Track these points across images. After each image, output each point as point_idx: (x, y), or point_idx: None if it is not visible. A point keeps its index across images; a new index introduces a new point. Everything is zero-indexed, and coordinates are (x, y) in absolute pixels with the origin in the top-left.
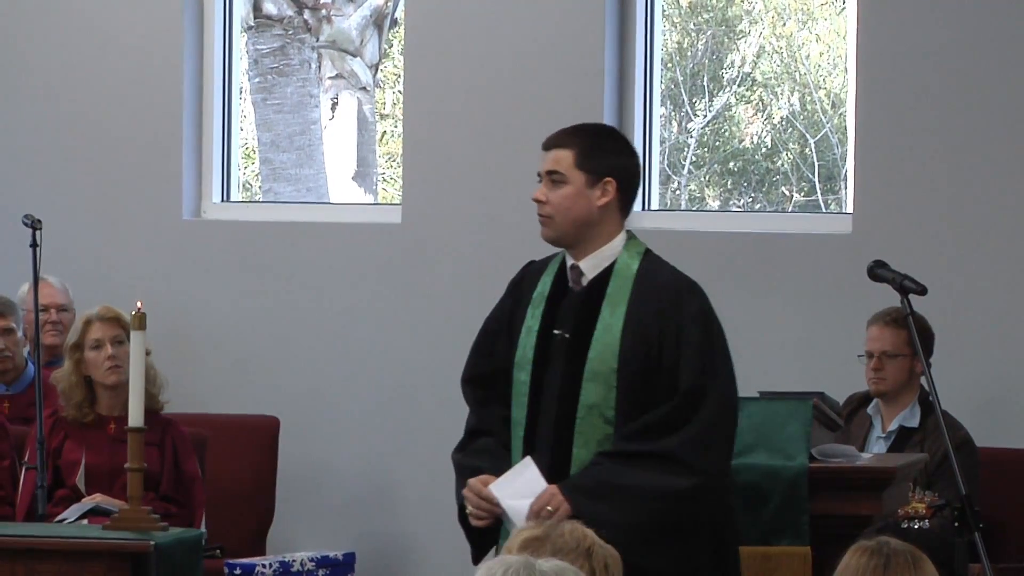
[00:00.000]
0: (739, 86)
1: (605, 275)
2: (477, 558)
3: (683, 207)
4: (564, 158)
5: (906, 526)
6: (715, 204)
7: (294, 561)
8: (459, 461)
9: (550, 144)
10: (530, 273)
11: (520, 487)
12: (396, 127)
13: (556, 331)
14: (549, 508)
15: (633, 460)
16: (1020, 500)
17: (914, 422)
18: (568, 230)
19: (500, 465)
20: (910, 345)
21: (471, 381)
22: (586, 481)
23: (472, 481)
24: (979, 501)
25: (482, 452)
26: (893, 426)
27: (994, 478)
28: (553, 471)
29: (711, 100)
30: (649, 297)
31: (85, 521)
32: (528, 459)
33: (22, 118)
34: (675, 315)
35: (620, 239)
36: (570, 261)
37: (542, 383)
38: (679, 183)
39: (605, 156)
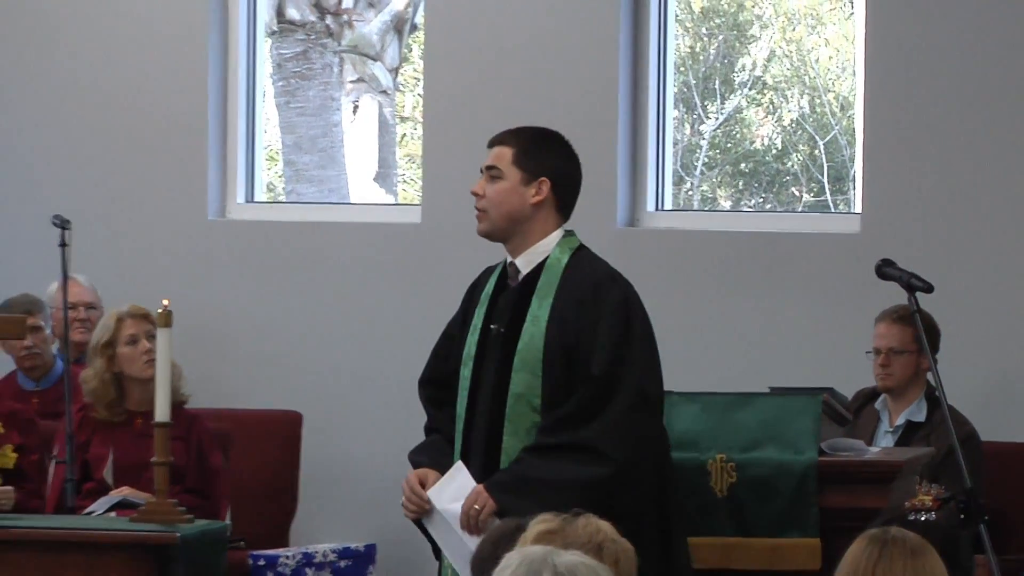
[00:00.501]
0: (750, 89)
1: (538, 270)
2: (436, 552)
3: (696, 207)
4: (503, 155)
5: (912, 518)
6: (727, 204)
7: (316, 552)
8: (409, 458)
9: (493, 141)
10: (483, 276)
11: (454, 491)
12: (416, 129)
13: (492, 326)
14: (476, 507)
15: (551, 453)
16: (1020, 488)
17: (921, 417)
18: (500, 224)
19: (439, 459)
20: (916, 341)
21: (426, 383)
22: (507, 477)
23: (409, 475)
24: (984, 494)
25: (426, 448)
26: (900, 421)
27: (999, 471)
28: (488, 459)
29: (723, 103)
30: (573, 289)
31: (113, 514)
32: (459, 463)
33: (51, 121)
34: (594, 306)
35: (555, 236)
36: (508, 259)
37: (481, 377)
38: (692, 184)
39: (542, 157)
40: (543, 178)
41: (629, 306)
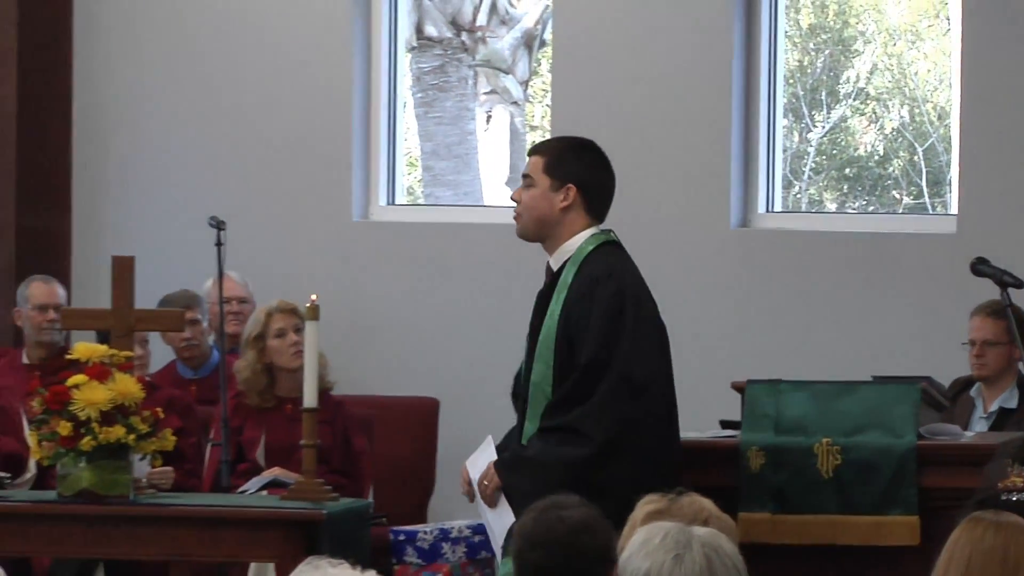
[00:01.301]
0: (854, 100)
1: (565, 268)
2: None
3: (803, 209)
4: (537, 164)
5: (1004, 498)
6: (832, 207)
7: (452, 528)
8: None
9: (531, 151)
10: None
11: (482, 463)
12: (544, 138)
13: (532, 324)
14: (486, 482)
15: (543, 434)
16: None
17: (1013, 404)
18: (532, 227)
19: (507, 444)
20: (1008, 334)
21: (513, 397)
22: (509, 456)
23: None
24: None
25: (506, 435)
26: (994, 407)
27: None
28: (518, 443)
29: (829, 113)
30: (579, 286)
31: (264, 492)
32: (489, 438)
33: (208, 130)
34: (589, 300)
35: (582, 236)
36: (549, 262)
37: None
38: (800, 187)
39: (569, 165)
40: (569, 184)
41: (622, 299)
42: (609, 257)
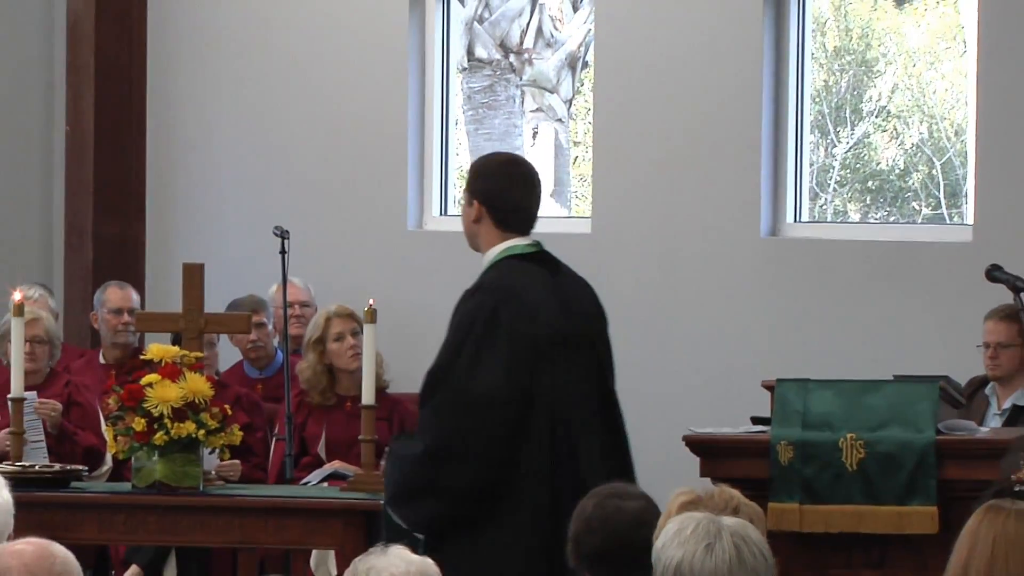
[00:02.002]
0: (876, 117)
1: None
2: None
3: (829, 219)
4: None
5: (1018, 489)
6: (856, 217)
7: None
8: None
9: None
10: None
11: None
12: (587, 153)
13: None
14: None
15: (407, 435)
16: None
17: None
18: (470, 241)
19: None
20: (1021, 336)
21: None
22: (390, 447)
23: None
24: None
25: None
26: (1007, 405)
27: None
28: None
29: (852, 129)
30: (462, 299)
31: (325, 484)
32: None
33: (275, 147)
34: (456, 312)
35: (496, 249)
36: None
37: None
38: (825, 199)
39: (475, 182)
40: (475, 200)
41: (477, 313)
42: (497, 270)
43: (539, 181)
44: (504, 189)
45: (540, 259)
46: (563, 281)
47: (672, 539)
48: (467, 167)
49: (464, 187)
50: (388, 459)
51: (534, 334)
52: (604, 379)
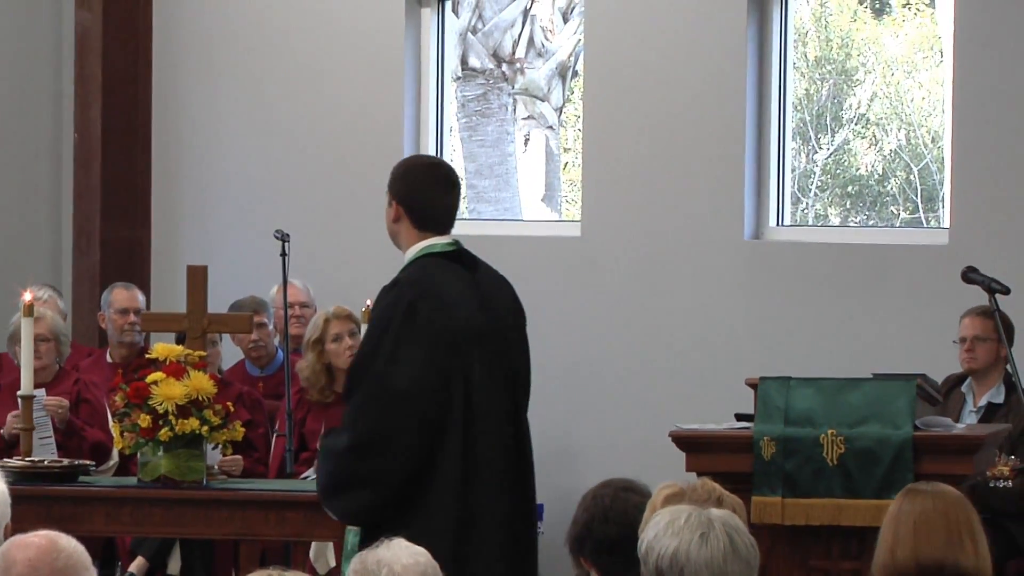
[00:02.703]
0: (856, 124)
1: None
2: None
3: (810, 223)
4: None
5: (992, 485)
6: (836, 221)
7: None
8: None
9: None
10: None
11: None
12: (576, 159)
13: None
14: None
15: (336, 428)
16: None
17: (1000, 399)
18: (390, 238)
19: None
20: (996, 332)
21: None
22: (320, 442)
23: None
24: None
25: None
26: (983, 402)
27: None
28: None
29: (833, 136)
30: (379, 296)
31: None
32: None
33: (276, 154)
34: (376, 307)
35: (415, 247)
36: None
37: None
38: (807, 203)
39: (394, 184)
40: (394, 201)
41: (395, 308)
42: (415, 267)
43: (458, 183)
44: (422, 191)
45: (459, 257)
46: (481, 279)
47: (665, 529)
48: (462, 173)
49: (386, 189)
50: (319, 453)
51: (452, 329)
52: (516, 373)
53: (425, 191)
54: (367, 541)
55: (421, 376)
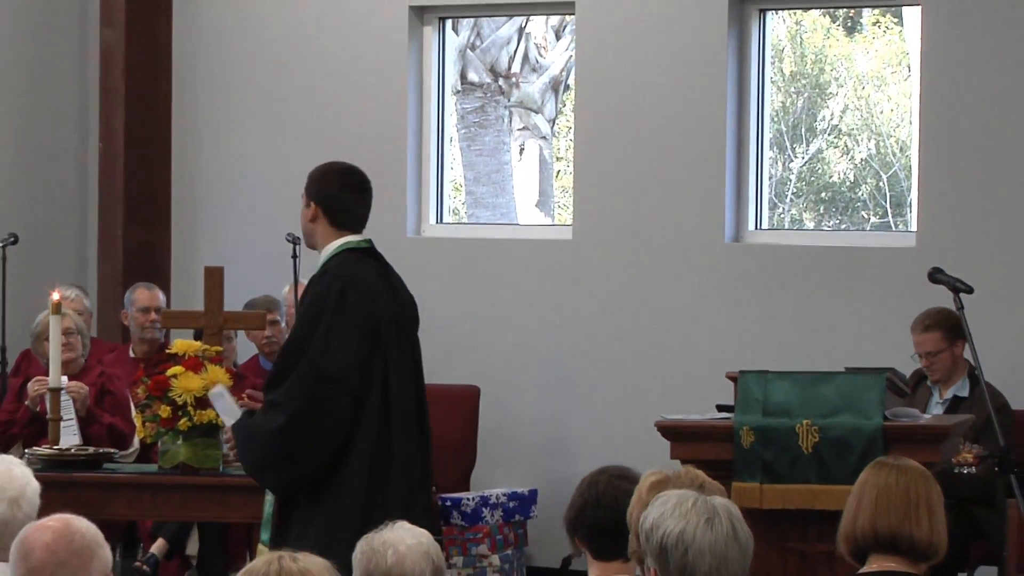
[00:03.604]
0: (828, 135)
1: None
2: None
3: (786, 227)
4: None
5: (957, 471)
6: (810, 225)
7: (491, 496)
8: None
9: None
10: None
11: (227, 405)
12: (568, 167)
13: None
14: (230, 442)
15: (264, 407)
16: None
17: (964, 392)
18: (307, 239)
19: None
20: (946, 340)
21: None
22: (239, 422)
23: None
24: (1015, 451)
25: None
26: (948, 395)
27: None
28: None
29: (807, 146)
30: (308, 286)
31: None
32: (221, 388)
33: (288, 162)
34: (302, 300)
35: (333, 244)
36: None
37: None
38: (783, 208)
39: (312, 187)
40: (311, 202)
41: (325, 297)
42: (338, 260)
43: (369, 187)
44: (338, 193)
45: (373, 254)
46: (390, 272)
47: (671, 512)
48: (461, 180)
49: (304, 189)
50: (243, 431)
51: (374, 315)
52: (416, 355)
53: (341, 193)
54: (282, 510)
55: (351, 359)
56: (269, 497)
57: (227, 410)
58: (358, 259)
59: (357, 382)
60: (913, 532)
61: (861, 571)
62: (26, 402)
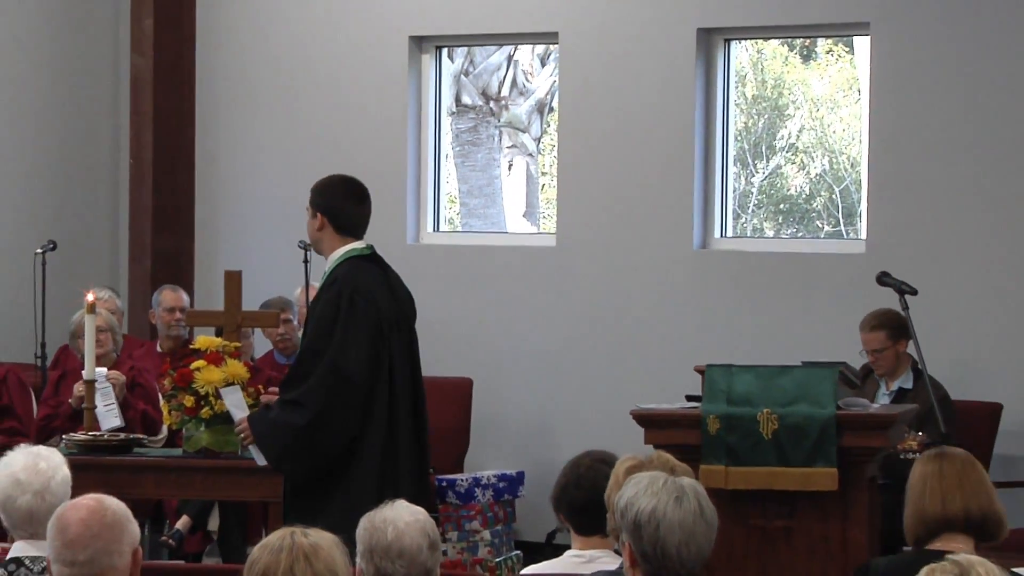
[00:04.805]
0: (786, 152)
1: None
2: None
3: (749, 235)
4: (309, 200)
5: (903, 456)
6: (771, 233)
7: (482, 477)
8: None
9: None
10: None
11: (236, 400)
12: (552, 181)
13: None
14: (244, 433)
15: (281, 405)
16: (981, 435)
17: (909, 384)
18: (315, 247)
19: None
20: (890, 339)
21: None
22: (258, 414)
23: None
24: (954, 437)
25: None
26: (894, 387)
27: (965, 421)
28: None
29: (768, 162)
30: (319, 292)
31: None
32: (236, 386)
33: (299, 176)
34: (318, 302)
35: (339, 251)
36: None
37: None
38: (746, 219)
39: (317, 199)
40: (318, 214)
41: (338, 302)
42: (344, 267)
43: (368, 196)
44: (341, 203)
45: (374, 259)
46: (389, 274)
47: (644, 491)
48: (456, 193)
49: (309, 202)
50: (261, 424)
51: (379, 319)
52: (415, 352)
53: (344, 203)
54: (293, 499)
55: (363, 359)
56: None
57: (237, 404)
58: (361, 266)
59: (369, 380)
60: (999, 510)
61: (931, 547)
62: (69, 400)
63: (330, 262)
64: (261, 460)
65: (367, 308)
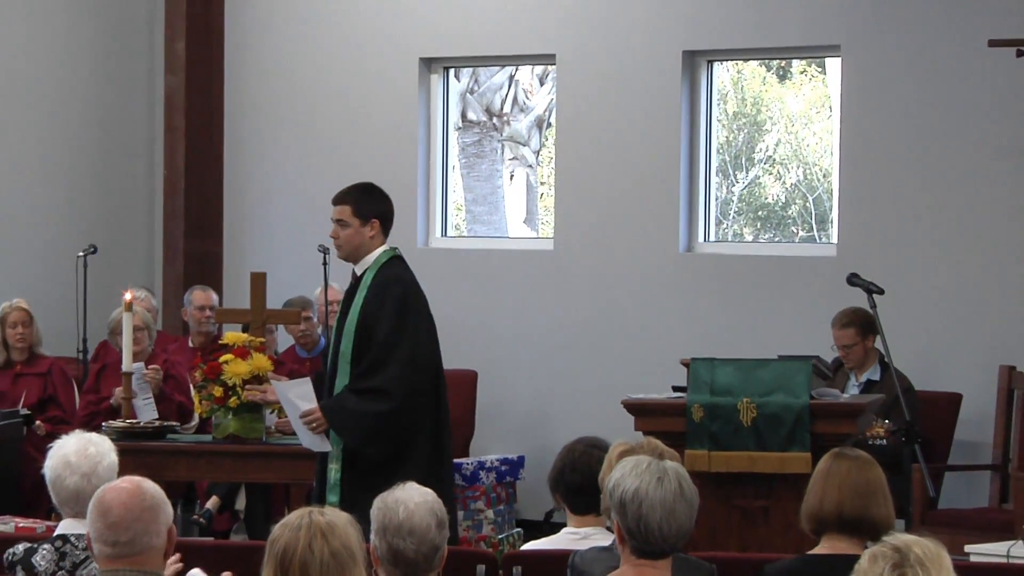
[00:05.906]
0: (764, 164)
1: (366, 274)
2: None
3: (730, 239)
4: (345, 211)
5: (871, 443)
6: (749, 238)
7: (486, 461)
8: None
9: (336, 200)
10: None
11: (301, 392)
12: (550, 191)
13: (342, 310)
14: (316, 423)
15: (358, 393)
16: (943, 422)
17: (876, 376)
18: (352, 254)
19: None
20: (859, 335)
21: (323, 362)
22: (332, 404)
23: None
24: (918, 424)
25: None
26: (863, 379)
27: (927, 410)
28: (329, 393)
29: (747, 173)
30: (375, 287)
31: None
32: (307, 379)
33: (319, 185)
34: (382, 297)
35: (378, 251)
36: (355, 269)
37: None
38: (727, 224)
39: (366, 205)
40: (374, 219)
41: (406, 298)
42: (395, 267)
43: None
44: (388, 208)
45: (403, 259)
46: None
47: (629, 472)
48: (462, 201)
49: (353, 212)
50: (340, 413)
51: (429, 311)
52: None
53: (389, 206)
54: (353, 477)
55: (432, 352)
56: (334, 465)
57: (304, 396)
58: (404, 266)
59: (438, 368)
60: (875, 514)
61: (814, 551)
62: (111, 400)
63: (368, 263)
64: (318, 447)
65: (426, 303)
